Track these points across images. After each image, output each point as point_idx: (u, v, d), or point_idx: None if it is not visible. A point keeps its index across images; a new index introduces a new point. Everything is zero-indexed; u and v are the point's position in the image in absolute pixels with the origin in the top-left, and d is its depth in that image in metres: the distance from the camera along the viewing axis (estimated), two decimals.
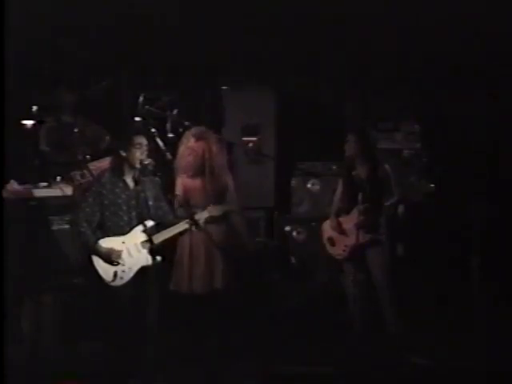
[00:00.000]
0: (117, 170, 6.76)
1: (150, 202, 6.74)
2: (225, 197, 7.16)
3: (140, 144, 6.70)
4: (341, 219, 7.31)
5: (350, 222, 7.21)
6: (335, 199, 7.42)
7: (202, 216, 6.87)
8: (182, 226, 6.81)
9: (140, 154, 6.69)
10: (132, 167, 6.71)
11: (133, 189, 6.73)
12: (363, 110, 9.21)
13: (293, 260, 8.81)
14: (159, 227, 6.76)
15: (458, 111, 8.89)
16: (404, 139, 9.07)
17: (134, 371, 6.59)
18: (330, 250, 7.38)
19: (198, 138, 7.22)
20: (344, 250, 7.25)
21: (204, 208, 6.94)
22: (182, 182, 7.18)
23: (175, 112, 8.28)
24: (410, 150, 9.03)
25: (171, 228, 6.78)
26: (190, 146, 7.21)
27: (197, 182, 7.16)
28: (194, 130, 7.31)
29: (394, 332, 7.15)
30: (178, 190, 7.16)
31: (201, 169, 7.15)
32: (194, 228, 6.82)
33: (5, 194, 7.19)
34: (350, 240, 7.18)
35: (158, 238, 6.72)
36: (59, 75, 8.50)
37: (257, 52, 8.99)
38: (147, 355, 6.66)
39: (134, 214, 6.71)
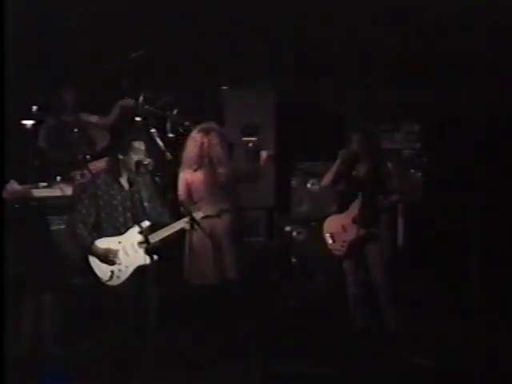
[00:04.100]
0: (112, 172, 6.77)
1: (145, 203, 6.74)
2: (224, 191, 7.16)
3: (138, 149, 6.72)
4: (340, 215, 7.35)
5: (348, 217, 7.25)
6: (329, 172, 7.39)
7: (197, 216, 6.86)
8: (178, 225, 6.81)
9: (137, 158, 6.71)
10: (128, 169, 6.72)
11: (127, 190, 6.74)
12: (363, 109, 9.21)
13: (293, 260, 8.82)
14: (155, 227, 6.76)
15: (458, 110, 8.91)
16: (404, 139, 9.08)
17: (133, 371, 6.60)
18: (330, 245, 7.40)
19: (200, 130, 7.28)
20: (342, 246, 7.28)
21: (199, 207, 6.94)
22: (184, 177, 7.20)
23: (175, 112, 8.28)
24: (410, 149, 9.04)
25: (167, 227, 6.79)
26: (192, 137, 7.30)
27: (198, 176, 7.19)
28: (201, 125, 7.37)
29: (393, 332, 7.16)
30: (181, 186, 7.18)
31: (201, 161, 7.19)
32: (189, 227, 6.82)
33: (5, 194, 7.18)
34: (348, 235, 7.21)
35: (154, 238, 6.72)
36: (59, 75, 8.50)
37: (257, 52, 8.99)
38: (146, 354, 6.68)
39: (129, 214, 6.72)
